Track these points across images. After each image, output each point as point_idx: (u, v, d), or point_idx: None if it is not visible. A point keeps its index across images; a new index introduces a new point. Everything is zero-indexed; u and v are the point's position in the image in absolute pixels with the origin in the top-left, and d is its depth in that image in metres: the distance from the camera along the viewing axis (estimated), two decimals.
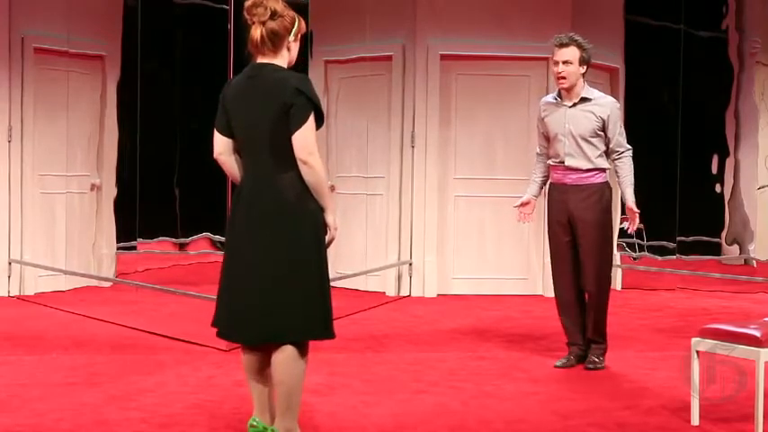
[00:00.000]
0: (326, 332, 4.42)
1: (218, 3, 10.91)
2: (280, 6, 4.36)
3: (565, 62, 6.21)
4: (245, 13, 4.39)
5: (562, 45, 6.25)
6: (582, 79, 6.31)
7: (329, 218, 4.40)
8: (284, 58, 4.40)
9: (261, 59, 4.39)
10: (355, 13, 9.77)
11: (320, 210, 4.37)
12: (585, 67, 6.29)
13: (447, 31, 9.57)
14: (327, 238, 4.41)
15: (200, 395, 5.55)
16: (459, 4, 9.55)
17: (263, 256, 4.30)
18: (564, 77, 6.23)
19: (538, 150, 6.56)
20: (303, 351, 4.37)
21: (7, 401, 5.37)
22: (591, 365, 6.27)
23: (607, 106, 6.30)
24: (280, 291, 4.28)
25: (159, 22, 11.53)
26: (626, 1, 10.63)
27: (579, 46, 6.25)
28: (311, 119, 4.26)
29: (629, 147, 6.34)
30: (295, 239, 4.30)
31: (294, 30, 4.40)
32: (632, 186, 6.28)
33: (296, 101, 4.24)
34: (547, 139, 6.40)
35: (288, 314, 4.29)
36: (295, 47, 4.44)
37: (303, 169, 4.27)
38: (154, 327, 7.56)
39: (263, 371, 4.45)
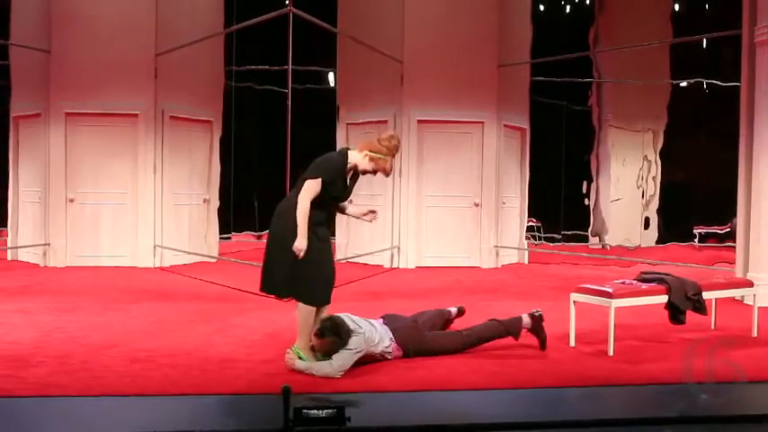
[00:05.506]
0: (310, 300, 4.32)
1: (282, 88, 10.93)
2: (385, 137, 4.41)
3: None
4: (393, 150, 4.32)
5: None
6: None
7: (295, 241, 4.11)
8: (367, 159, 4.36)
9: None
10: (365, 95, 9.76)
11: (316, 225, 4.23)
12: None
13: (421, 106, 9.53)
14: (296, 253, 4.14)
15: (270, 329, 5.53)
16: (427, 92, 9.50)
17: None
18: None
19: None
20: (305, 305, 4.35)
21: (153, 332, 5.37)
22: None
23: None
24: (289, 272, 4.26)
25: (244, 100, 11.62)
26: (531, 86, 10.65)
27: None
28: (309, 179, 4.25)
29: None
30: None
31: (381, 157, 4.30)
32: None
33: (311, 165, 4.35)
34: None
35: (293, 285, 4.29)
36: (370, 162, 4.32)
37: None
38: (242, 286, 7.53)
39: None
